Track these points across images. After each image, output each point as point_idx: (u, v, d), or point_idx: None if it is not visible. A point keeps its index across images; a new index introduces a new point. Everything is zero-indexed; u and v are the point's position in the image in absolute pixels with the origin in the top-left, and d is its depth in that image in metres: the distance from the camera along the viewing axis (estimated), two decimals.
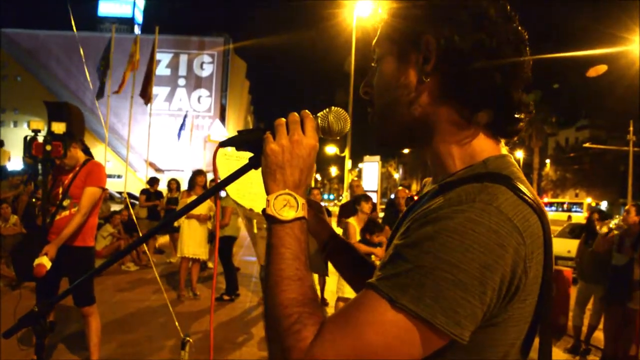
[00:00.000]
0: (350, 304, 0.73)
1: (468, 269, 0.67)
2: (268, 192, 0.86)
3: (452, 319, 0.67)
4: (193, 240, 6.95)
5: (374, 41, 0.93)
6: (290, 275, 0.78)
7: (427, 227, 0.71)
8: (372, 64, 0.94)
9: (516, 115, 0.85)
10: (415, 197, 0.98)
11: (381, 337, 0.68)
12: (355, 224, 5.38)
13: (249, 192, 1.27)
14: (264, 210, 0.85)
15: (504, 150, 0.87)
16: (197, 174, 7.22)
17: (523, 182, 0.78)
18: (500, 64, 0.80)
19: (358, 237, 5.24)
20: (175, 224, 7.51)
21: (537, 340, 0.82)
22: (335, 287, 7.19)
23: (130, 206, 8.03)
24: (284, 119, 0.90)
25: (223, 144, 0.97)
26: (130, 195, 16.88)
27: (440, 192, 0.78)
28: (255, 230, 1.30)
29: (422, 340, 0.68)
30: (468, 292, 0.67)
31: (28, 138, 3.36)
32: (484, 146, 0.84)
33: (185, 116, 32.58)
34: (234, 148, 0.98)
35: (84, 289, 3.66)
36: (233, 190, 1.26)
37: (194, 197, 6.97)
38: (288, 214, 0.83)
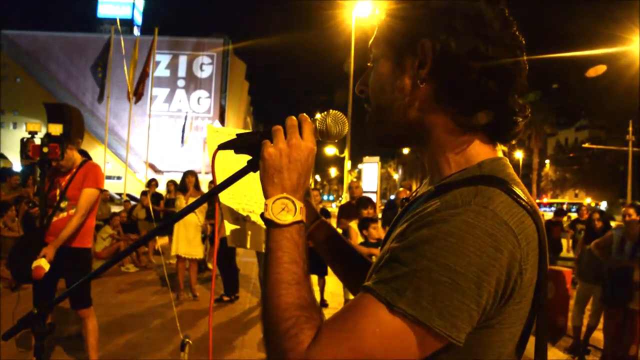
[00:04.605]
0: (348, 307, 0.73)
1: (465, 273, 0.67)
2: (266, 196, 0.86)
3: (450, 322, 0.67)
4: (186, 240, 6.94)
5: (371, 41, 0.93)
6: (288, 279, 0.78)
7: (424, 230, 0.71)
8: (369, 64, 0.94)
9: (512, 121, 0.84)
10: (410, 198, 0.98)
11: (379, 341, 0.68)
12: (356, 227, 5.44)
13: (244, 196, 1.26)
14: (262, 214, 0.85)
15: (500, 152, 0.87)
16: (186, 174, 7.21)
17: (518, 185, 0.78)
18: (495, 71, 0.79)
19: (360, 240, 5.28)
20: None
21: (533, 340, 0.82)
22: (334, 289, 7.21)
23: (142, 203, 7.93)
24: (281, 126, 0.90)
25: (222, 147, 0.97)
26: (130, 197, 16.88)
27: (436, 194, 0.78)
28: (245, 213, 1.28)
29: (419, 343, 0.69)
30: (465, 296, 0.67)
31: (25, 140, 3.35)
32: (479, 149, 0.84)
33: (186, 118, 32.60)
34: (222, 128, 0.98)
35: (81, 292, 3.64)
36: (225, 196, 1.24)
37: (189, 199, 6.99)
38: (286, 218, 0.83)
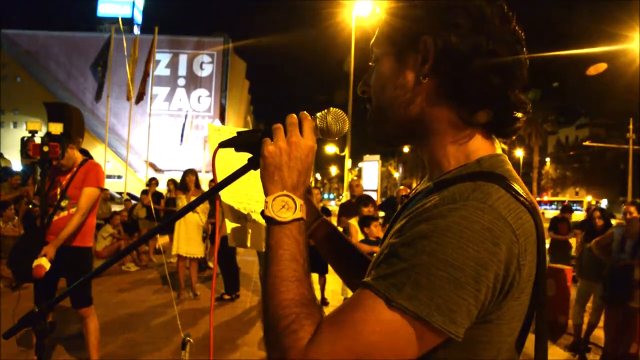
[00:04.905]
0: (347, 303, 0.74)
1: (463, 267, 0.67)
2: (266, 194, 0.87)
3: (448, 317, 0.68)
4: (187, 238, 6.95)
5: (372, 41, 0.94)
6: (288, 276, 0.79)
7: (422, 226, 0.71)
8: (371, 64, 0.94)
9: (513, 116, 0.85)
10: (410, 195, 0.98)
11: (378, 336, 0.69)
12: (356, 225, 5.45)
13: (245, 194, 1.26)
14: (262, 212, 0.86)
15: (499, 149, 0.88)
16: (187, 173, 7.22)
17: (516, 181, 0.79)
18: (497, 66, 0.80)
19: (360, 237, 5.29)
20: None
21: (533, 338, 0.82)
22: (335, 287, 7.22)
23: (142, 202, 7.93)
24: (281, 124, 0.91)
25: (222, 145, 0.97)
26: (131, 196, 16.89)
27: (435, 190, 0.79)
28: (246, 212, 1.28)
29: (418, 339, 0.69)
30: (463, 290, 0.68)
31: (25, 139, 3.35)
32: (479, 146, 0.85)
33: (186, 116, 32.55)
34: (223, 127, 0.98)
35: (81, 291, 3.64)
36: (226, 195, 1.24)
37: (190, 198, 7.00)
38: (286, 215, 0.83)
